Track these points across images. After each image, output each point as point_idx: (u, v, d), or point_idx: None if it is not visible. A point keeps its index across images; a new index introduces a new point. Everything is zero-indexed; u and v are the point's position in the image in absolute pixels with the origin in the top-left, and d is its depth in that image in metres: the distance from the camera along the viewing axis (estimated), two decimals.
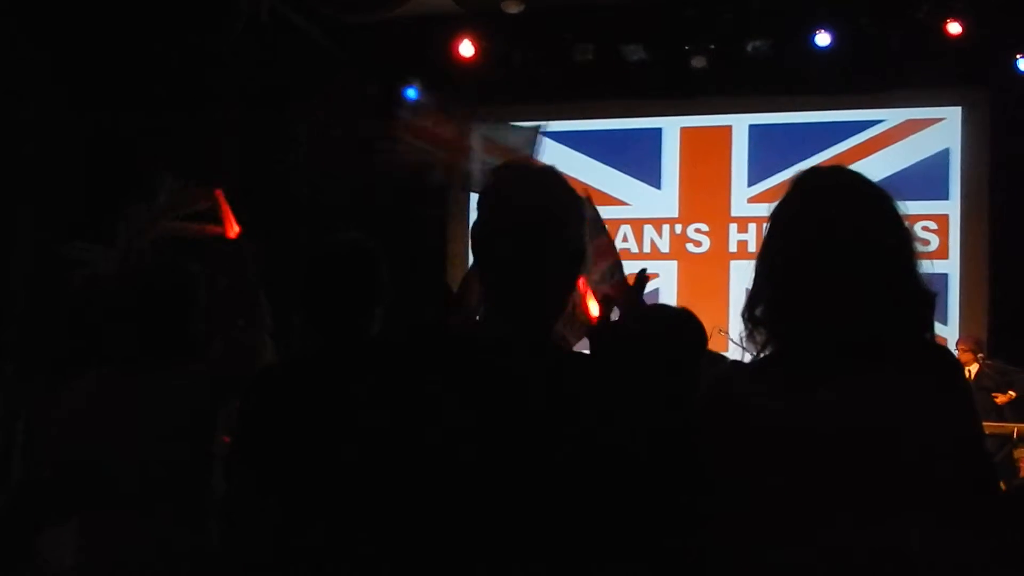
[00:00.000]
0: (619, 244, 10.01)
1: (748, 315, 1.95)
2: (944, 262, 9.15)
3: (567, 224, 1.89)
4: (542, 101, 9.64)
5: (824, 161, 8.84)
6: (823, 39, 8.92)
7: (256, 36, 7.88)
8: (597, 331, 2.24)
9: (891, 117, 9.56)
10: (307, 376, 2.59)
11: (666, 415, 2.13)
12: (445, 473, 1.77)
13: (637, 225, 10.05)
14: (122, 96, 7.83)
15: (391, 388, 1.89)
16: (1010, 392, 8.37)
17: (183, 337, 2.99)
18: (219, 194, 3.48)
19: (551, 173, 1.98)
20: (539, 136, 5.21)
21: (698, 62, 9.29)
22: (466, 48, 9.38)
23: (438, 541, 1.77)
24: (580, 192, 1.98)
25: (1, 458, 5.26)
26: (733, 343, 3.90)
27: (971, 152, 9.37)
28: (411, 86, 9.53)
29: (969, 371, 8.40)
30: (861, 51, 8.89)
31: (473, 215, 1.93)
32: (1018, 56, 8.81)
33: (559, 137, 9.06)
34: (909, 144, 9.47)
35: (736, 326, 2.02)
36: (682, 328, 2.83)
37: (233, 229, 3.36)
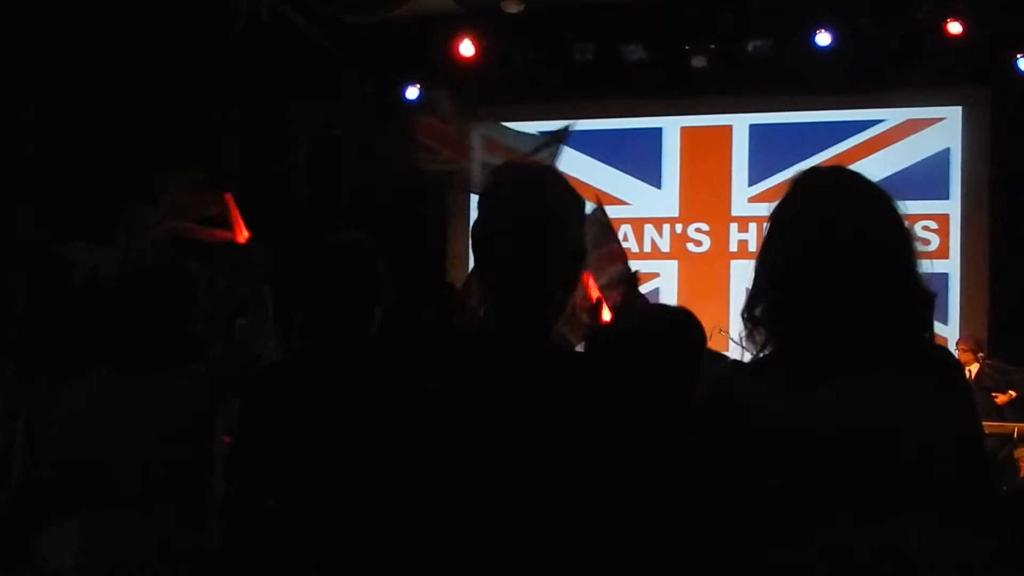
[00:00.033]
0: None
1: (748, 315, 1.95)
2: (944, 262, 9.15)
3: (567, 224, 1.89)
4: (542, 101, 9.65)
5: (825, 161, 8.85)
6: (823, 39, 8.92)
7: (256, 36, 7.88)
8: (593, 332, 2.24)
9: (891, 117, 9.56)
10: (307, 376, 2.59)
11: (667, 415, 2.13)
12: (445, 473, 1.77)
13: (637, 225, 10.05)
14: (122, 96, 7.83)
15: (391, 388, 1.89)
16: (1010, 392, 8.37)
17: (183, 337, 2.99)
18: (228, 198, 3.48)
19: (551, 173, 1.98)
20: (558, 146, 5.18)
21: (698, 62, 9.29)
22: (466, 48, 9.39)
23: (438, 541, 1.77)
24: (592, 198, 1.98)
25: (1, 458, 5.26)
26: (733, 343, 3.90)
27: (971, 152, 9.38)
28: (419, 87, 9.54)
29: (969, 371, 8.40)
30: (861, 51, 8.90)
31: (473, 215, 1.93)
32: (1018, 56, 8.82)
33: None
34: (909, 144, 9.47)
35: (736, 326, 2.02)
36: (681, 327, 2.83)
37: (243, 234, 3.36)
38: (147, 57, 7.80)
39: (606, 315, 4.21)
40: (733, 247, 9.83)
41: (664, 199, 10.10)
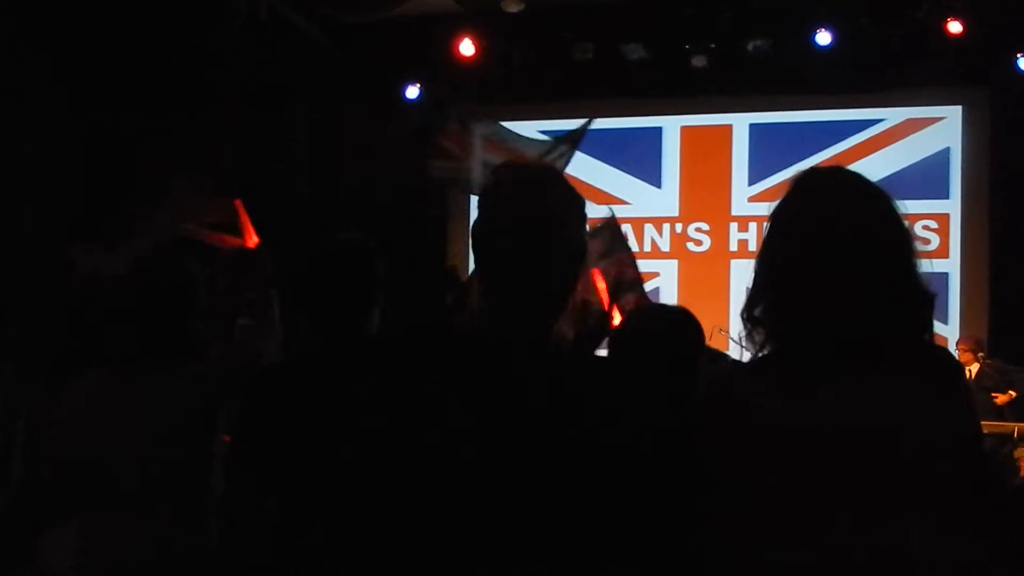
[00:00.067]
0: None
1: (747, 315, 1.95)
2: (944, 261, 9.16)
3: (567, 224, 1.89)
4: (542, 100, 9.66)
5: (825, 160, 8.85)
6: (823, 38, 8.93)
7: (255, 35, 7.88)
8: (582, 336, 2.24)
9: (891, 116, 9.56)
10: (307, 376, 2.59)
11: (666, 415, 2.13)
12: (445, 473, 1.77)
13: (638, 224, 10.05)
14: (122, 96, 7.84)
15: (391, 388, 1.89)
16: (1010, 392, 8.38)
17: (183, 337, 2.99)
18: (238, 204, 3.48)
19: (551, 172, 1.98)
20: (570, 150, 5.17)
21: (698, 61, 9.30)
22: (466, 47, 9.39)
23: (438, 541, 1.77)
24: (605, 207, 1.98)
25: (1, 458, 5.26)
26: (733, 342, 3.90)
27: (971, 151, 9.38)
28: (419, 87, 9.54)
29: (969, 371, 8.41)
30: (861, 50, 8.90)
31: (473, 215, 1.93)
32: (1018, 55, 8.82)
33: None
34: (909, 143, 9.47)
35: (736, 325, 2.02)
36: (680, 327, 2.83)
37: (252, 239, 3.37)
38: (147, 57, 7.81)
39: (617, 321, 4.22)
40: (733, 246, 9.84)
41: (664, 198, 10.10)
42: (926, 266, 1.90)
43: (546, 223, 1.85)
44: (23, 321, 6.80)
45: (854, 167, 2.05)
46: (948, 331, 9.00)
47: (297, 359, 2.79)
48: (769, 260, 1.95)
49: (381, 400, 1.88)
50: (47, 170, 7.46)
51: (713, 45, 9.24)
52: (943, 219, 9.31)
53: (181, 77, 8.01)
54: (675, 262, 9.93)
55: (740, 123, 9.94)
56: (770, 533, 1.81)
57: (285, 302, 3.16)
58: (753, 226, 9.61)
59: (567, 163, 5.38)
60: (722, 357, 3.69)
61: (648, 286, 9.35)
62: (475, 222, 1.91)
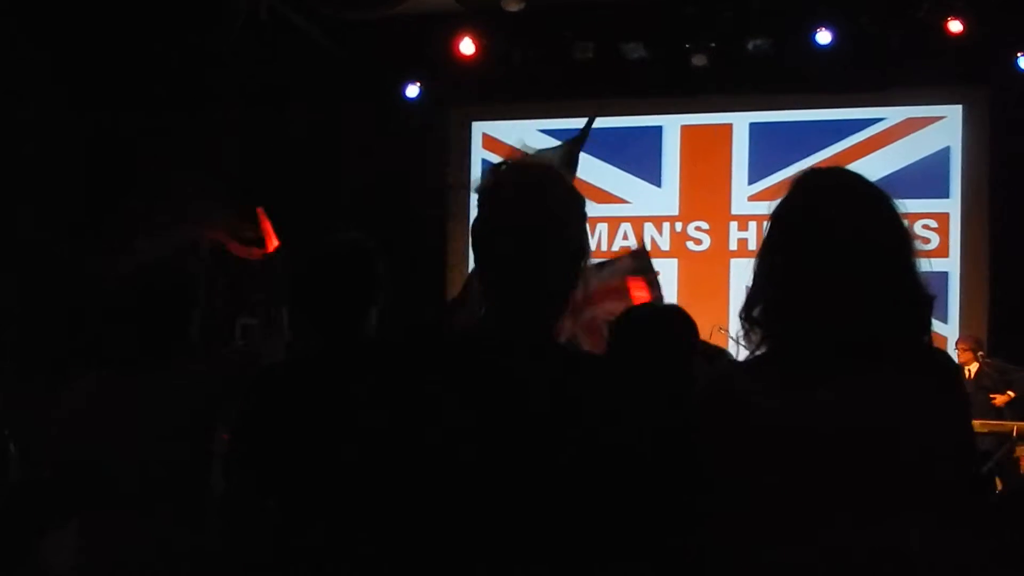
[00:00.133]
0: (619, 242, 10.04)
1: (746, 314, 1.95)
2: (944, 260, 9.16)
3: (568, 223, 1.88)
4: (542, 99, 9.66)
5: (825, 159, 8.86)
6: (824, 37, 8.93)
7: (255, 35, 7.88)
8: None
9: (891, 115, 9.57)
10: (308, 376, 2.59)
11: (667, 414, 2.13)
12: (445, 473, 1.77)
13: (637, 223, 10.05)
14: (122, 96, 7.84)
15: (391, 388, 1.89)
16: (1008, 392, 8.38)
17: (183, 337, 2.99)
18: (261, 212, 3.49)
19: (551, 172, 1.98)
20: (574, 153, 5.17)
21: (698, 60, 9.30)
22: (466, 46, 9.39)
23: (439, 542, 1.77)
24: (638, 242, 1.97)
25: (1, 458, 5.26)
26: (733, 341, 3.90)
27: (971, 150, 9.38)
28: (418, 85, 9.54)
29: (969, 370, 8.42)
30: (862, 49, 8.90)
31: (473, 214, 1.92)
32: (1019, 54, 8.83)
33: (559, 135, 9.05)
34: (909, 142, 9.48)
35: (736, 324, 2.02)
36: (672, 324, 2.83)
37: (273, 244, 3.38)
38: (147, 57, 7.82)
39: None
40: (733, 246, 9.84)
41: (664, 197, 10.10)
42: (925, 265, 1.91)
43: (547, 223, 1.85)
44: (23, 321, 6.81)
45: (854, 166, 2.05)
46: (948, 330, 9.00)
47: (298, 359, 2.79)
48: (769, 259, 1.95)
49: (381, 400, 1.88)
50: (47, 170, 7.47)
51: (713, 44, 9.24)
52: (943, 218, 9.31)
53: (181, 77, 8.02)
54: (675, 261, 9.93)
55: (740, 122, 9.94)
56: (770, 533, 1.81)
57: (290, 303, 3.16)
58: (753, 225, 9.61)
59: (574, 165, 5.38)
60: (721, 355, 3.69)
61: None
62: (475, 221, 1.90)
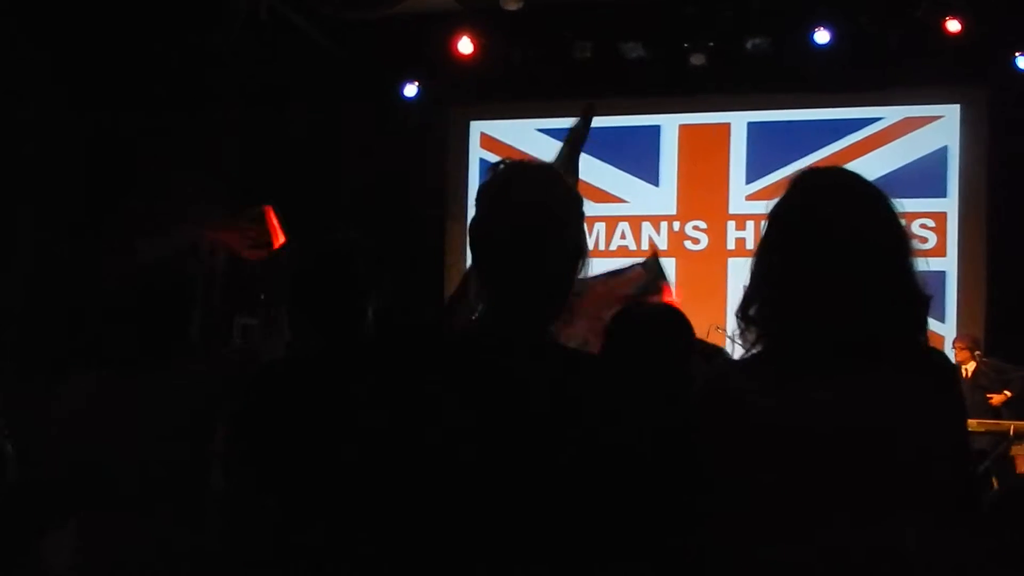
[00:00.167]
0: (617, 242, 10.04)
1: (742, 313, 1.96)
2: (942, 260, 9.17)
3: (567, 223, 1.88)
4: (541, 98, 9.66)
5: (823, 158, 8.87)
6: (822, 37, 8.94)
7: (255, 35, 7.89)
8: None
9: (890, 115, 9.57)
10: (308, 374, 2.60)
11: (666, 414, 2.14)
12: (445, 474, 1.77)
13: (635, 222, 10.06)
14: (122, 96, 7.84)
15: (391, 388, 1.88)
16: (1005, 392, 8.39)
17: (183, 337, 2.99)
18: (268, 210, 3.50)
19: (550, 170, 1.98)
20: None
21: (697, 60, 9.31)
22: (465, 45, 9.39)
23: (439, 541, 1.77)
24: (651, 250, 1.96)
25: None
26: (730, 340, 3.91)
27: (969, 150, 9.39)
28: (417, 85, 9.53)
29: (966, 369, 8.42)
30: (860, 49, 8.91)
31: (471, 213, 1.93)
32: (1017, 54, 8.83)
33: (557, 134, 9.07)
34: (907, 142, 9.48)
35: (733, 323, 2.03)
36: (666, 325, 2.83)
37: (279, 239, 3.38)
38: (147, 57, 7.81)
39: None
40: (731, 245, 9.85)
41: (662, 197, 10.11)
42: (923, 264, 1.91)
43: (546, 223, 1.85)
44: (23, 321, 6.80)
45: (852, 165, 2.06)
46: (945, 329, 9.01)
47: (298, 357, 2.79)
48: (766, 259, 1.95)
49: (381, 400, 1.88)
50: (47, 170, 7.46)
51: (712, 44, 9.25)
52: (940, 217, 9.32)
53: (181, 77, 8.01)
54: (672, 260, 9.92)
55: (738, 121, 9.94)
56: (766, 531, 1.81)
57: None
58: (751, 224, 9.61)
59: (575, 169, 5.36)
60: (719, 354, 3.69)
61: None
62: (473, 219, 1.90)
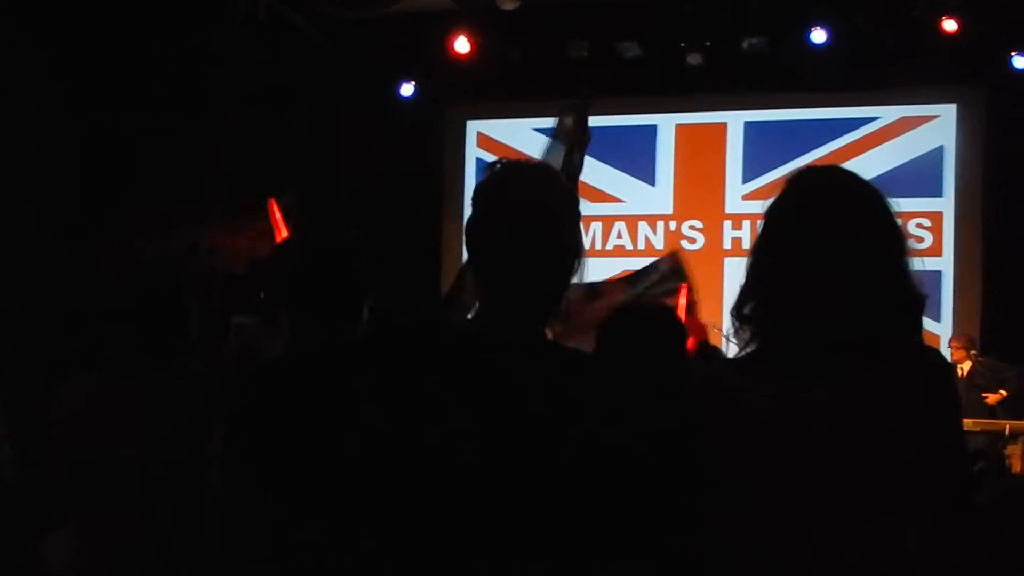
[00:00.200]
0: (613, 241, 10.05)
1: (738, 312, 1.97)
2: (938, 259, 9.17)
3: (564, 222, 1.88)
4: (537, 98, 9.65)
5: (819, 158, 8.88)
6: (819, 36, 8.95)
7: (255, 35, 7.89)
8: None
9: (886, 114, 9.58)
10: (308, 371, 2.60)
11: (666, 414, 2.14)
12: (445, 473, 1.77)
13: (631, 222, 10.06)
14: (122, 96, 7.83)
15: (391, 386, 1.88)
16: (1001, 391, 8.39)
17: (183, 337, 3.00)
18: (272, 204, 3.50)
19: (547, 170, 1.99)
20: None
21: (694, 59, 9.32)
22: (462, 44, 9.39)
23: (439, 541, 1.77)
24: (676, 249, 1.95)
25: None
26: (727, 340, 3.92)
27: (966, 150, 9.40)
28: (413, 84, 9.52)
29: (962, 368, 8.43)
30: (857, 48, 8.92)
31: (468, 212, 1.93)
32: (1013, 53, 8.84)
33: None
34: (904, 141, 9.49)
35: (729, 323, 2.04)
36: (659, 325, 2.84)
37: (281, 234, 3.38)
38: (147, 57, 7.81)
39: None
40: (727, 244, 9.85)
41: (658, 196, 10.11)
42: (919, 264, 1.91)
43: (543, 222, 1.85)
44: (23, 321, 6.80)
45: (848, 165, 2.06)
46: (941, 329, 9.02)
47: (298, 354, 2.80)
48: (762, 258, 1.95)
49: (381, 399, 1.88)
50: (47, 170, 7.46)
51: (708, 43, 9.26)
52: (936, 217, 9.33)
53: (181, 77, 8.01)
54: None
55: (735, 121, 9.95)
56: (763, 530, 1.81)
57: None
58: (747, 224, 9.61)
59: (576, 166, 5.31)
60: (716, 354, 3.70)
61: None
62: (470, 218, 1.90)
